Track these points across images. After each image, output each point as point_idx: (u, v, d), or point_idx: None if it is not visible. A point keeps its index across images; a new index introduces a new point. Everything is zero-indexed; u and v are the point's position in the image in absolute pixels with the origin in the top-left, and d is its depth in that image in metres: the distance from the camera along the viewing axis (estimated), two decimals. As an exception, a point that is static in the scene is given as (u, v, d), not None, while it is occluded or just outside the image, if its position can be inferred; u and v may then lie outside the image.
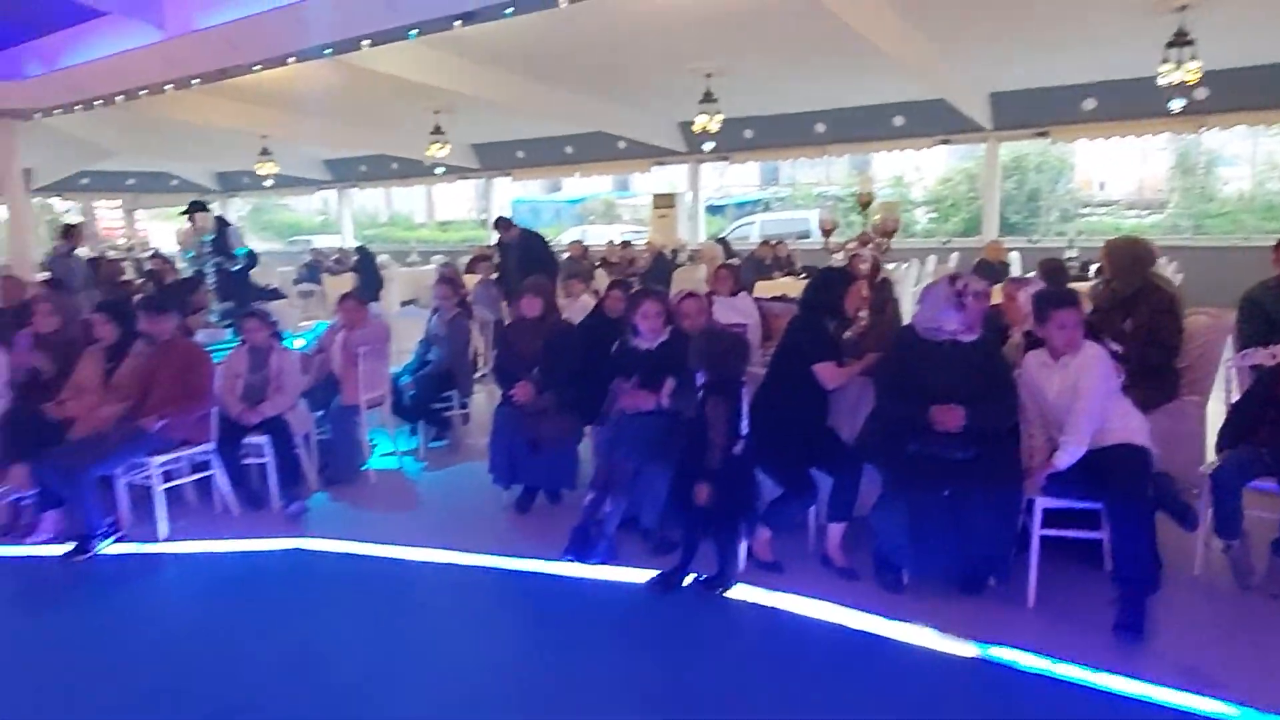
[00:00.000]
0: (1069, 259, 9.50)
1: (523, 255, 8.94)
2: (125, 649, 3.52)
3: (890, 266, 10.64)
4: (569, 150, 16.72)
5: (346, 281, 12.56)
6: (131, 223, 24.99)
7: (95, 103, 11.30)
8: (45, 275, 9.38)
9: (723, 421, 3.52)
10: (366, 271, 12.95)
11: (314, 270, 15.62)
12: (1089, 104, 11.90)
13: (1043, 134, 13.00)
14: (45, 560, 4.35)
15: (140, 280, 10.73)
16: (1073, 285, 5.77)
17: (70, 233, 9.58)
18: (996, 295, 4.16)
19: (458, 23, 7.21)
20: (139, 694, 3.14)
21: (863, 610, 3.45)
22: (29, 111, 11.89)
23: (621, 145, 15.67)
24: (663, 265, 12.23)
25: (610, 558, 3.96)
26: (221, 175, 22.86)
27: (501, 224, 9.69)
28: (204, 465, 4.81)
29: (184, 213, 6.93)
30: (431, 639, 3.54)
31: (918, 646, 3.21)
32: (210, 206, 7.97)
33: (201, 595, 4.09)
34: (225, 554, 4.43)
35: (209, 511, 4.90)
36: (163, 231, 24.68)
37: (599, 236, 18.45)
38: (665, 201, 16.70)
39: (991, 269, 8.91)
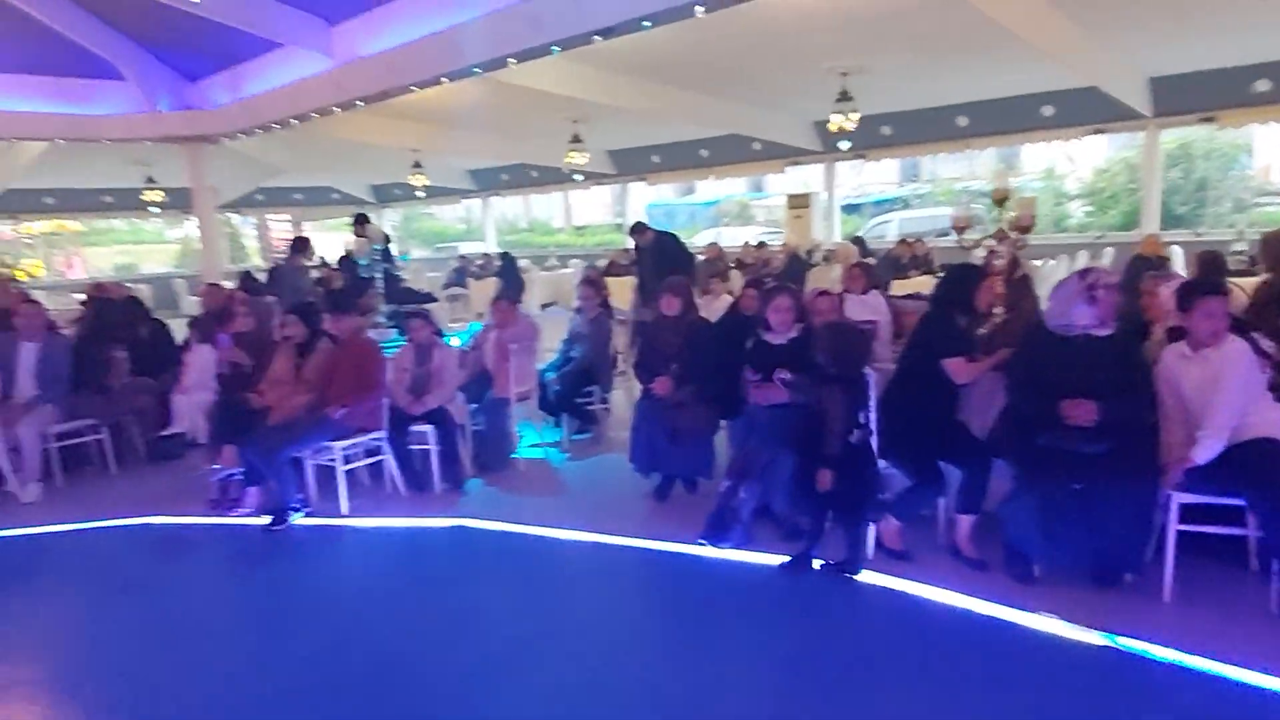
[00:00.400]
0: (1235, 252, 8.93)
1: (659, 258, 9.17)
2: (312, 605, 4.06)
3: (1037, 263, 10.32)
4: (703, 153, 16.96)
5: (491, 285, 13.29)
6: (299, 234, 27.04)
7: (272, 126, 12.46)
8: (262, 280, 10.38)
9: (840, 410, 3.67)
10: (509, 275, 13.64)
11: (461, 275, 16.57)
12: (1262, 85, 11.05)
13: (1208, 119, 12.14)
14: (249, 529, 5.00)
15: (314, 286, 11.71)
16: (1236, 280, 5.48)
17: (301, 245, 10.47)
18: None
19: (596, 38, 7.58)
20: (321, 642, 3.63)
21: (991, 600, 3.51)
22: (217, 136, 13.25)
23: (756, 147, 15.77)
24: (798, 265, 12.27)
25: (744, 542, 4.17)
26: (377, 188, 24.45)
27: (637, 229, 10.01)
28: (376, 450, 5.36)
29: (354, 228, 7.60)
30: (576, 610, 3.87)
31: (1045, 634, 3.26)
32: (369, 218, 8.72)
33: (375, 564, 4.61)
34: (395, 529, 4.94)
35: (380, 492, 5.45)
36: (326, 241, 26.66)
37: (734, 238, 18.58)
38: (800, 202, 16.66)
39: (1148, 264, 8.48)
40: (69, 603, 4.25)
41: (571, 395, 6.38)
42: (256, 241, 28.22)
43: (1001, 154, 18.56)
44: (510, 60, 8.46)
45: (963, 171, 23.53)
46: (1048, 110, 12.70)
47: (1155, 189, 13.14)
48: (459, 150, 17.37)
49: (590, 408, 6.55)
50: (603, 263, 16.14)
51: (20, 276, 17.80)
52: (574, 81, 10.86)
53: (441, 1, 8.54)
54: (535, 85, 10.45)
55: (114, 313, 7.11)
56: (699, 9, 6.85)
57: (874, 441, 3.88)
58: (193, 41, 11.19)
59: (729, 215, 27.79)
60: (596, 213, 29.64)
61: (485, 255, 18.40)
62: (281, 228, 27.96)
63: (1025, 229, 4.52)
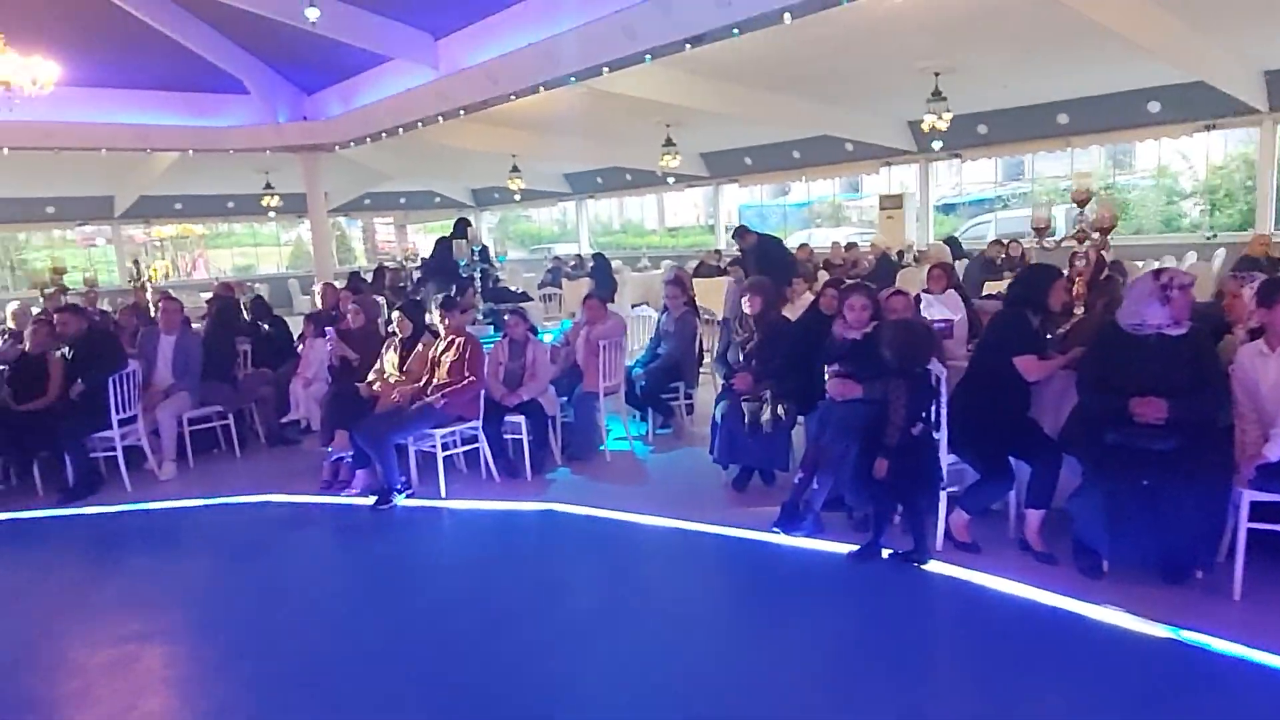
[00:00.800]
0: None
1: (761, 260, 9.19)
2: (412, 577, 4.46)
3: (1139, 264, 9.99)
4: (796, 155, 16.97)
5: (584, 285, 13.67)
6: (403, 236, 28.24)
7: (381, 134, 13.18)
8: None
9: (901, 403, 3.79)
10: (602, 275, 13.98)
11: (555, 275, 17.06)
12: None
13: (1331, 113, 11.51)
14: (357, 508, 5.44)
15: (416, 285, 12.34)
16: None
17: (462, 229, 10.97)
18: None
19: (689, 45, 7.82)
20: (418, 609, 3.99)
21: (1058, 592, 3.58)
22: (330, 145, 14.08)
23: (849, 147, 15.71)
24: (887, 267, 12.20)
25: (815, 531, 4.33)
26: (476, 191, 25.31)
27: (740, 233, 10.07)
28: (473, 438, 5.73)
29: (454, 232, 8.04)
30: (652, 588, 4.13)
31: (1111, 626, 3.31)
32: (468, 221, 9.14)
33: (469, 542, 5.00)
34: (488, 511, 5.29)
35: (476, 477, 5.83)
36: (427, 243, 27.74)
37: (826, 239, 18.50)
38: (892, 202, 16.49)
39: (1256, 264, 8.17)
40: (200, 566, 4.75)
41: (657, 391, 6.63)
42: (362, 243, 29.56)
43: (1111, 152, 17.85)
44: (605, 68, 8.79)
45: (1066, 170, 22.70)
46: (1154, 106, 12.25)
47: (1270, 186, 12.50)
48: (555, 155, 17.88)
49: (675, 403, 6.78)
50: (693, 264, 16.36)
51: (154, 276, 19.29)
52: (667, 87, 11.12)
53: (540, 14, 8.94)
54: (629, 91, 10.74)
55: (238, 310, 7.75)
56: (787, 16, 7.01)
57: (943, 435, 3.99)
58: (310, 57, 11.96)
59: (822, 216, 27.53)
60: (689, 214, 29.83)
61: (578, 256, 18.86)
62: (386, 230, 29.28)
63: (1106, 230, 4.51)
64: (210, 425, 6.84)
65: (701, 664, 3.33)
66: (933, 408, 3.93)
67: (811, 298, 6.52)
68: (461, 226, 8.31)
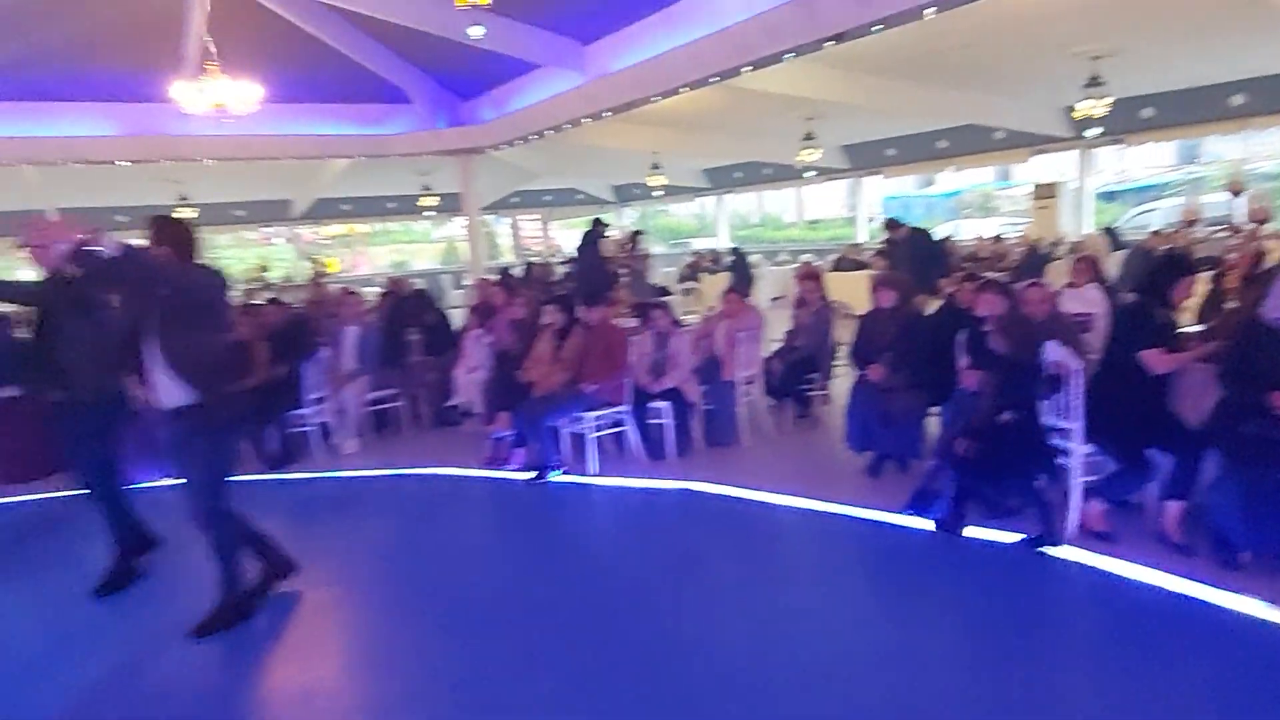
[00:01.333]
0: None
1: (913, 253, 9.14)
2: (563, 545, 4.93)
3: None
4: (942, 144, 16.56)
5: (722, 279, 13.93)
6: (546, 233, 29.32)
7: (531, 137, 13.91)
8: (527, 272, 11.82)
9: (990, 389, 3.98)
10: (740, 270, 14.21)
11: (694, 269, 17.42)
12: None
13: None
14: (516, 483, 5.99)
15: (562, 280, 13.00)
16: None
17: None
18: None
19: (829, 43, 7.95)
20: (568, 577, 4.41)
21: (1194, 580, 3.59)
22: (484, 147, 14.97)
23: (999, 135, 15.23)
24: (1036, 259, 11.83)
25: (946, 516, 4.45)
26: (618, 188, 26.00)
27: (891, 224, 10.03)
28: (620, 422, 6.16)
29: (598, 231, 8.50)
30: (788, 566, 4.41)
31: (1248, 616, 3.32)
32: (606, 218, 9.57)
33: (617, 516, 5.42)
34: (634, 488, 5.71)
35: (622, 457, 6.26)
36: (570, 239, 28.70)
37: (975, 231, 17.93)
38: (1045, 191, 15.80)
39: None
40: (379, 528, 5.39)
41: (794, 381, 6.85)
42: (510, 240, 30.88)
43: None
44: (746, 68, 9.03)
45: (1249, 152, 20.95)
46: (1343, 84, 11.27)
47: None
48: (694, 151, 18.20)
49: (811, 393, 6.98)
50: (832, 258, 16.31)
51: (331, 268, 21.12)
52: (807, 82, 11.20)
53: (683, 19, 9.29)
54: (769, 88, 10.90)
55: (408, 303, 8.52)
56: (929, 11, 7.03)
57: (1076, 426, 4.05)
58: (466, 66, 12.80)
59: (970, 207, 26.58)
60: (830, 207, 29.49)
61: (715, 251, 19.12)
62: (530, 227, 30.50)
63: (1262, 221, 4.38)
64: (385, 406, 7.61)
65: (834, 640, 3.55)
66: (1046, 398, 4.02)
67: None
68: (598, 226, 8.75)
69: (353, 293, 7.93)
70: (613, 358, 5.93)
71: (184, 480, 3.81)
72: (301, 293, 12.03)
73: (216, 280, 3.79)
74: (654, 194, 21.04)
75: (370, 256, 30.03)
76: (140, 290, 3.59)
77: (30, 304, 4.46)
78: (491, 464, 6.32)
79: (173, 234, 3.67)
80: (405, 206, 22.47)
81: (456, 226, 27.53)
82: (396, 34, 11.14)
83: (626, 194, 25.89)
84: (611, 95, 11.04)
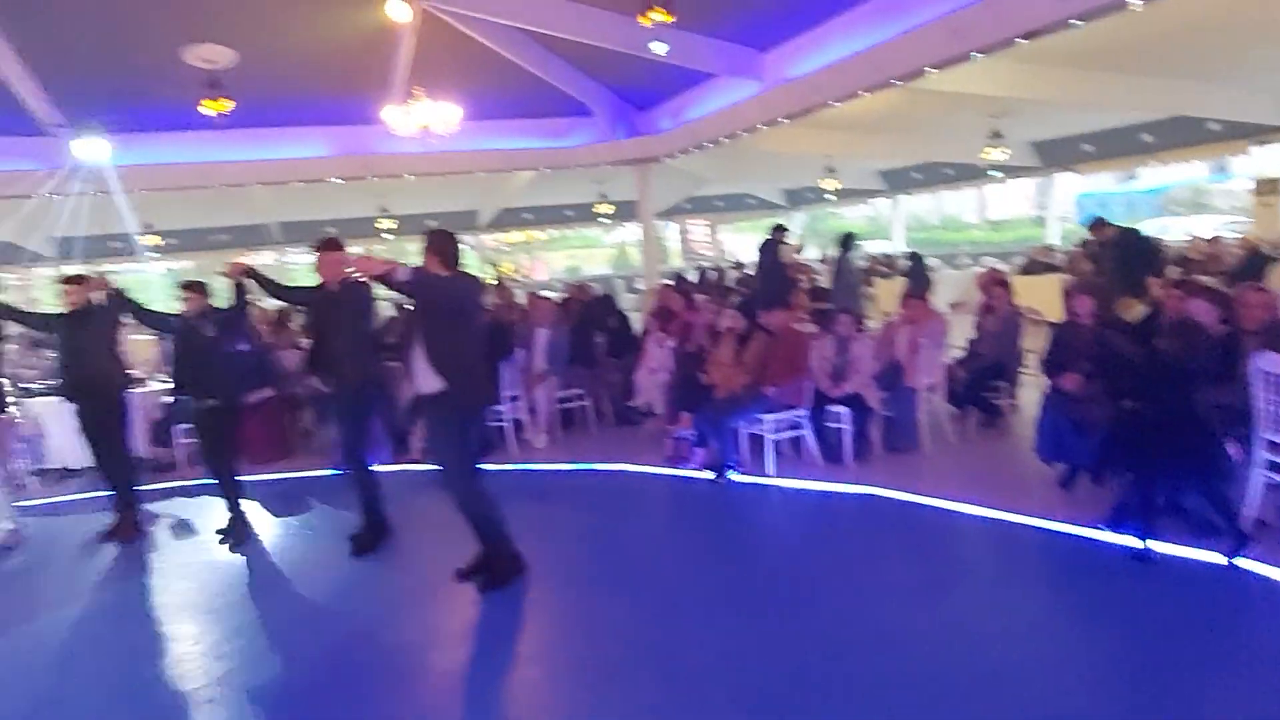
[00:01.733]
0: None
1: (1122, 257, 8.53)
2: (742, 542, 5.11)
3: None
4: (1146, 138, 15.37)
5: (896, 284, 13.63)
6: (715, 238, 29.56)
7: (706, 145, 14.16)
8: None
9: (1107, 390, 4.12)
10: (917, 274, 13.81)
11: (868, 274, 17.09)
12: None
13: None
14: (696, 481, 6.23)
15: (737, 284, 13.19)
16: None
17: (849, 241, 11.88)
18: None
19: (1020, 41, 7.67)
20: (749, 572, 4.58)
21: None
22: (660, 156, 15.38)
23: (1213, 127, 13.97)
24: (1257, 262, 10.79)
25: (1146, 532, 4.26)
26: (789, 192, 25.86)
27: (1097, 224, 9.48)
28: (798, 425, 6.26)
29: (778, 237, 8.61)
30: (972, 575, 4.38)
31: None
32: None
33: (796, 517, 5.54)
34: (811, 491, 5.80)
35: (799, 460, 6.36)
36: (738, 243, 28.83)
37: (1185, 230, 16.52)
38: (1269, 187, 14.35)
39: None
40: (569, 519, 5.77)
41: (978, 389, 6.69)
42: (678, 245, 31.37)
43: None
44: (929, 70, 8.85)
45: None
46: None
47: None
48: (870, 153, 17.84)
49: (996, 402, 6.79)
50: (1018, 260, 15.56)
51: (511, 273, 22.38)
52: (994, 80, 10.77)
53: (863, 23, 9.24)
54: (952, 88, 10.59)
55: (594, 308, 8.98)
56: (1134, 2, 6.67)
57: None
58: (645, 78, 13.23)
59: (1179, 204, 24.42)
60: (1015, 206, 27.97)
61: (889, 255, 18.67)
62: (699, 232, 30.85)
63: None
64: (572, 405, 8.07)
65: (1014, 651, 3.50)
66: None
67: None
68: (779, 232, 8.85)
69: (544, 298, 8.46)
70: (794, 362, 6.05)
71: (439, 462, 4.45)
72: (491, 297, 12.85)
73: (474, 286, 4.53)
74: (827, 197, 20.79)
75: (546, 261, 31.45)
76: (424, 301, 4.34)
77: (303, 304, 5.62)
78: (672, 462, 6.59)
79: (441, 245, 4.35)
80: (582, 214, 23.39)
81: (627, 232, 28.36)
82: (579, 51, 11.71)
83: (798, 198, 25.71)
84: (788, 102, 11.08)
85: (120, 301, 5.71)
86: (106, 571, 5.42)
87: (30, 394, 7.82)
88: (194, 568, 5.31)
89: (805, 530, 5.27)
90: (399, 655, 3.92)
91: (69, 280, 5.74)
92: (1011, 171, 17.71)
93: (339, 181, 14.72)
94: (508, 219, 23.43)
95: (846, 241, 11.04)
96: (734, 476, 6.08)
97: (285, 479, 7.10)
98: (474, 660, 3.92)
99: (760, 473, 6.10)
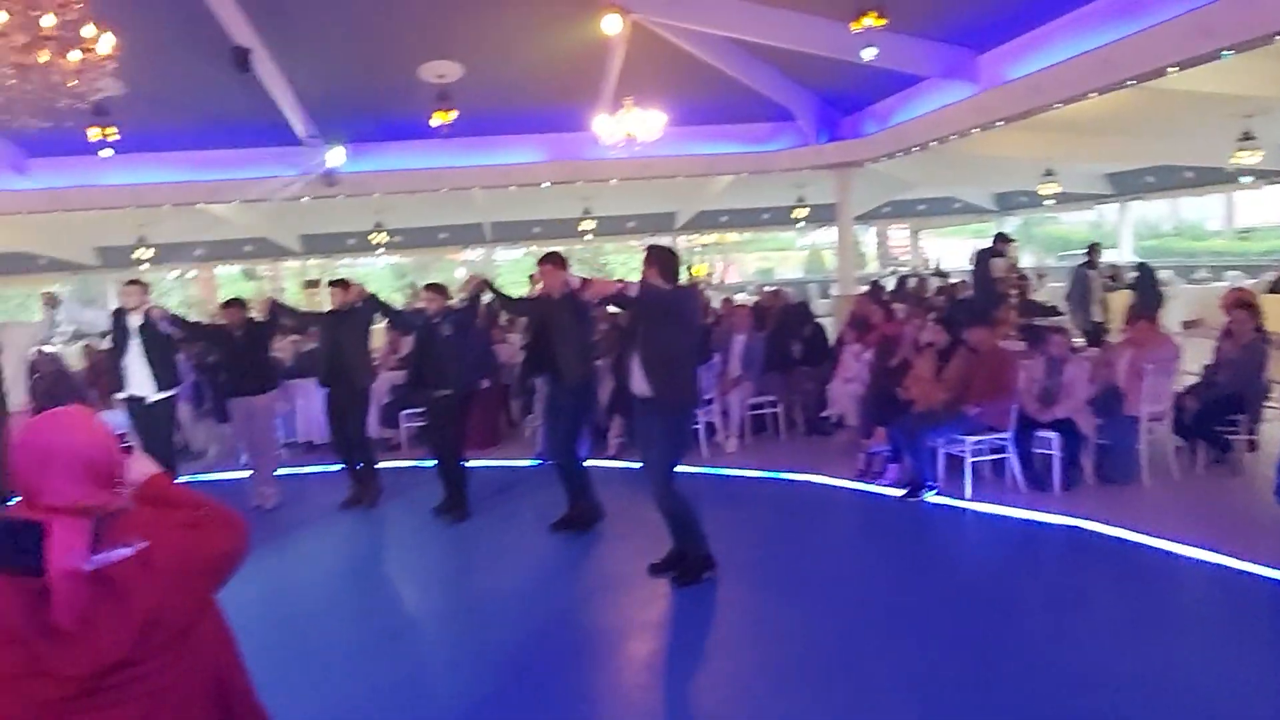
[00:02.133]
0: None
1: None
2: (937, 567, 4.98)
3: None
4: None
5: (1121, 298, 12.59)
6: (915, 243, 28.49)
7: (913, 149, 13.74)
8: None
9: None
10: (1145, 288, 12.72)
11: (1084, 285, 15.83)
12: None
13: None
14: (887, 498, 6.15)
15: (936, 295, 12.71)
16: None
17: (1093, 252, 11.45)
18: None
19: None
20: (940, 597, 4.48)
21: None
22: (863, 161, 15.08)
23: None
24: None
25: None
26: (1000, 196, 24.43)
27: None
28: (1001, 448, 6.02)
29: (997, 249, 8.24)
30: (1190, 621, 4.08)
31: None
32: (985, 228, 9.15)
33: (994, 545, 5.35)
34: (1012, 519, 5.57)
35: (1000, 484, 6.10)
36: (940, 249, 27.60)
37: None
38: None
39: None
40: (758, 525, 5.87)
41: (1211, 421, 6.12)
42: (875, 250, 30.49)
43: None
44: (1171, 69, 8.16)
45: None
46: None
47: None
48: (1095, 155, 16.58)
49: (1232, 437, 6.18)
50: (1271, 276, 13.93)
51: (699, 274, 22.72)
52: (1243, 78, 9.75)
53: (1094, 21, 8.64)
54: (1196, 88, 9.69)
55: (790, 315, 9.02)
56: None
57: None
58: (850, 81, 13.02)
59: None
60: (1270, 213, 24.87)
61: (1114, 265, 17.21)
62: (899, 236, 29.81)
63: None
64: (762, 412, 8.16)
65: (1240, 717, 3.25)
66: None
67: None
68: (1000, 241, 8.46)
69: (741, 305, 8.60)
70: (999, 382, 5.83)
71: (646, 461, 4.74)
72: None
73: (692, 297, 4.87)
74: (1044, 202, 19.49)
75: (739, 263, 31.55)
76: (648, 313, 4.60)
77: (526, 314, 6.19)
78: (864, 477, 6.53)
79: (661, 259, 4.65)
80: (778, 217, 23.26)
81: (821, 234, 27.89)
82: (784, 56, 11.73)
83: (1009, 202, 24.22)
84: (1006, 104, 10.54)
85: (373, 304, 6.50)
86: (346, 536, 6.15)
87: (288, 376, 8.93)
88: (418, 540, 5.93)
89: (1003, 558, 5.09)
90: (598, 639, 4.22)
91: (334, 283, 6.62)
92: (1267, 176, 15.83)
93: (548, 185, 15.58)
94: (704, 221, 23.73)
95: (1091, 252, 10.36)
96: (929, 497, 5.94)
97: (493, 465, 7.69)
98: (668, 651, 4.15)
99: (957, 494, 5.92)
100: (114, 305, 7.07)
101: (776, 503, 6.39)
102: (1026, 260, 23.90)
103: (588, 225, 21.10)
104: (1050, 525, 5.36)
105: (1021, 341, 7.03)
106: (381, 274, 24.70)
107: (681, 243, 27.94)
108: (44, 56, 5.77)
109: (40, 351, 7.43)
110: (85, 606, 1.47)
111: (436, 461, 6.25)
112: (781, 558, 5.18)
